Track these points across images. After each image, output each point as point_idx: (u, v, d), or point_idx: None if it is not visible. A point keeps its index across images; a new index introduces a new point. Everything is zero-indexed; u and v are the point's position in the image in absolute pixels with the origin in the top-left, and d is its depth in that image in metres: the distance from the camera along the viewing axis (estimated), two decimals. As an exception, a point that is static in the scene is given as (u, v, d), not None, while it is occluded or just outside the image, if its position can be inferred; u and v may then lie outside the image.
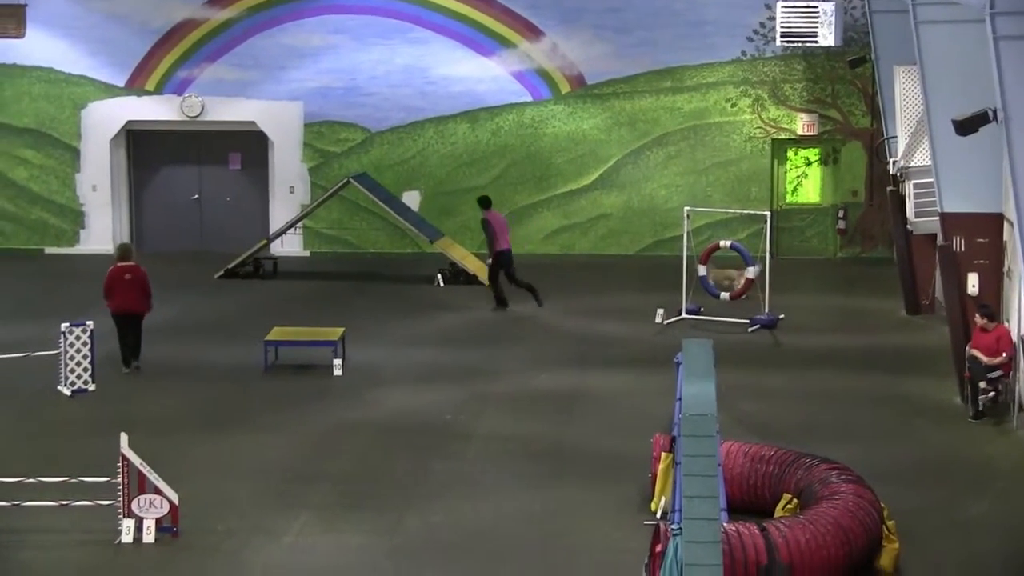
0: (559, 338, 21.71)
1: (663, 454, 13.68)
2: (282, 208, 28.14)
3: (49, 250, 28.19)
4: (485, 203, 23.78)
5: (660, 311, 22.58)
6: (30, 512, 13.65)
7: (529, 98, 28.22)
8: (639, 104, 28.20)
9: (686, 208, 23.51)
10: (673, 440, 13.02)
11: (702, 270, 22.73)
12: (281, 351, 19.91)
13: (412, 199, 28.11)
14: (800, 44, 25.16)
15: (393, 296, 24.68)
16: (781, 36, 24.66)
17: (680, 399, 11.61)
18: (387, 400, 18.25)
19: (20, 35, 26.07)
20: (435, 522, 13.93)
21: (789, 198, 28.55)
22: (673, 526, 10.59)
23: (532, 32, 28.06)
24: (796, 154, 28.47)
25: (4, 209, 28.32)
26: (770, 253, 23.05)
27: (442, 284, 25.54)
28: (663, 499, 13.42)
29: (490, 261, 23.54)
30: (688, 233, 23.27)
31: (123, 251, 19.81)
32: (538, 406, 17.98)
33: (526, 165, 28.41)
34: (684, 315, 22.53)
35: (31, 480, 13.93)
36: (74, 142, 28.22)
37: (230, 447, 16.33)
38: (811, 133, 28.13)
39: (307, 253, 28.30)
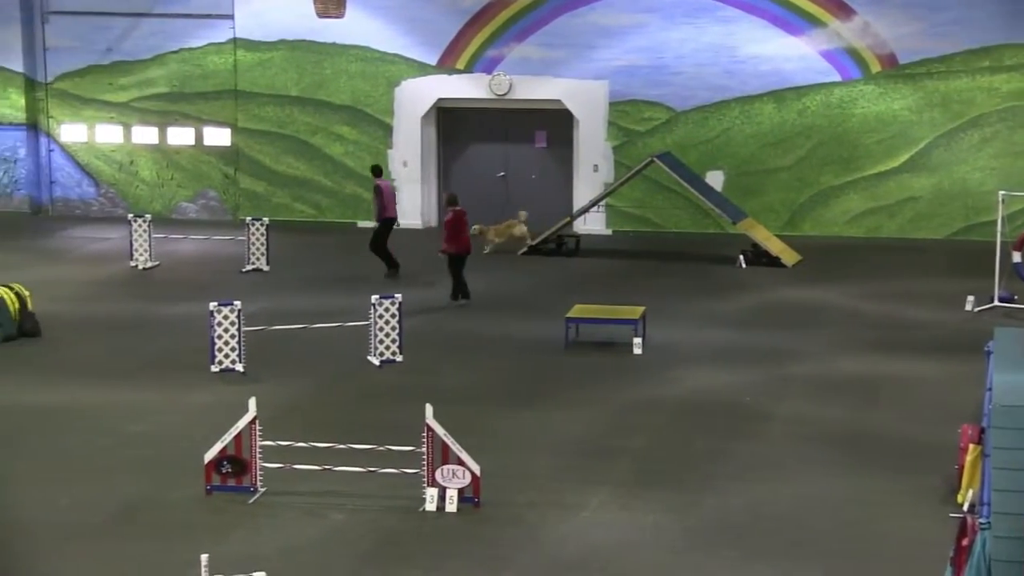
0: (862, 322, 21.29)
1: (971, 445, 13.28)
2: (585, 186, 28.37)
3: (361, 224, 29.10)
4: (376, 171, 24.77)
5: (970, 298, 21.88)
6: (341, 476, 14.17)
7: (838, 78, 27.70)
8: (953, 84, 27.35)
9: (1001, 192, 22.70)
10: (982, 431, 12.63)
11: (1017, 256, 21.92)
12: (582, 328, 20.10)
13: (715, 179, 27.95)
14: None
15: (694, 276, 24.61)
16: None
17: (991, 389, 11.26)
18: (686, 379, 18.23)
19: (340, 15, 26.95)
20: (732, 504, 13.85)
21: (1114, 183, 27.27)
22: (981, 520, 10.27)
23: (842, 10, 27.50)
24: (1123, 137, 27.16)
25: (321, 183, 29.36)
26: (1091, 240, 22.06)
27: (744, 265, 25.34)
28: (970, 492, 13.03)
29: (376, 226, 24.32)
30: (1002, 218, 22.47)
31: (454, 198, 22.52)
32: (839, 390, 17.68)
33: (833, 146, 27.91)
34: (996, 303, 21.77)
35: (342, 446, 14.44)
36: (387, 119, 29.04)
37: (530, 421, 16.58)
38: None
39: (609, 231, 28.46)
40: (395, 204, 24.69)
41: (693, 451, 15.47)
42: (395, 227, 24.52)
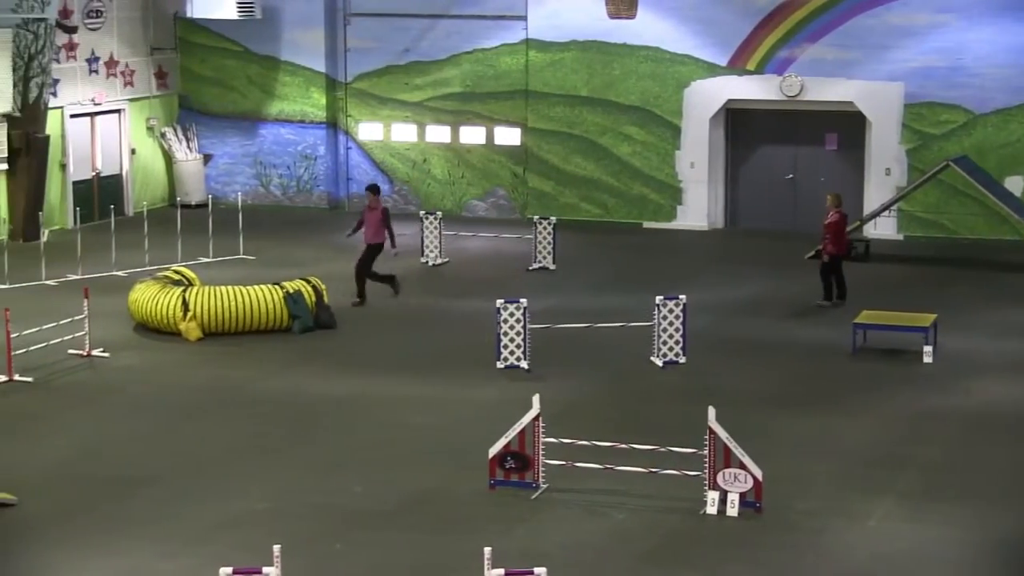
0: None
1: None
2: (877, 190, 27.77)
3: (647, 224, 29.13)
4: (376, 190, 22.65)
5: None
6: (622, 476, 14.23)
7: None
8: None
9: None
10: None
11: None
12: (870, 334, 19.70)
13: (1015, 184, 26.98)
14: None
15: (990, 284, 23.82)
16: None
17: None
18: (979, 390, 17.68)
19: (632, 16, 27.04)
20: (1026, 521, 13.39)
21: None
22: None
23: None
24: None
25: (608, 183, 29.50)
26: None
27: (1044, 274, 24.42)
28: None
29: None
30: None
31: (840, 199, 22.71)
32: None
33: None
34: None
35: (623, 446, 14.50)
36: (675, 120, 28.98)
37: (814, 426, 16.34)
38: None
39: (900, 236, 27.78)
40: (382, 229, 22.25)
41: (986, 464, 14.99)
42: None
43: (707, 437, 13.70)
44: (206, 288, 20.62)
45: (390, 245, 22.24)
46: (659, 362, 18.86)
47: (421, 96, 30.39)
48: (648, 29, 28.64)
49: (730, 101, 28.67)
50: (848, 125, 28.23)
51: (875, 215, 26.53)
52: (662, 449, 14.31)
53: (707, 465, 13.71)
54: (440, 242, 25.60)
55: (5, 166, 26.72)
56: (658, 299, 18.94)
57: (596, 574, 12.41)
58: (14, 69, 26.48)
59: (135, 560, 12.67)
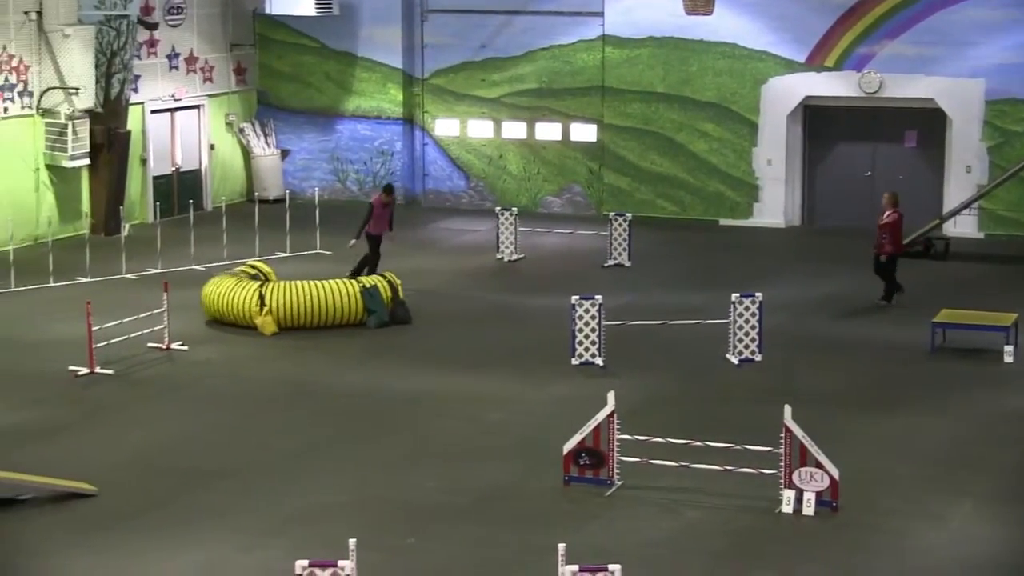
0: None
1: None
2: (957, 188, 27.45)
3: (723, 222, 28.99)
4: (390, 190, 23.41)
5: None
6: (697, 474, 14.17)
7: None
8: None
9: None
10: None
11: None
12: (949, 334, 19.49)
13: (1098, 182, 26.58)
14: None
15: (1073, 283, 23.51)
16: None
17: None
18: (1060, 392, 17.45)
19: (709, 12, 26.93)
20: (1108, 524, 13.20)
21: None
22: None
23: None
24: None
25: (684, 180, 29.39)
26: None
27: None
28: None
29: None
30: None
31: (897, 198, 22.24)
32: None
33: None
34: None
35: (698, 444, 14.45)
36: (753, 117, 28.81)
37: (891, 426, 16.20)
38: None
39: (981, 235, 27.45)
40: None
41: (1066, 466, 14.81)
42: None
43: (783, 435, 13.61)
44: (282, 283, 20.76)
45: (365, 236, 22.79)
46: (734, 360, 18.77)
47: (497, 92, 30.42)
48: (725, 25, 28.49)
49: (808, 98, 28.47)
50: (928, 122, 27.94)
51: (955, 213, 26.23)
52: (737, 447, 14.24)
53: (783, 464, 13.63)
54: (515, 238, 25.61)
55: (87, 161, 27.03)
56: (734, 296, 18.86)
57: (671, 572, 12.37)
58: (97, 65, 26.80)
59: (211, 552, 12.79)
